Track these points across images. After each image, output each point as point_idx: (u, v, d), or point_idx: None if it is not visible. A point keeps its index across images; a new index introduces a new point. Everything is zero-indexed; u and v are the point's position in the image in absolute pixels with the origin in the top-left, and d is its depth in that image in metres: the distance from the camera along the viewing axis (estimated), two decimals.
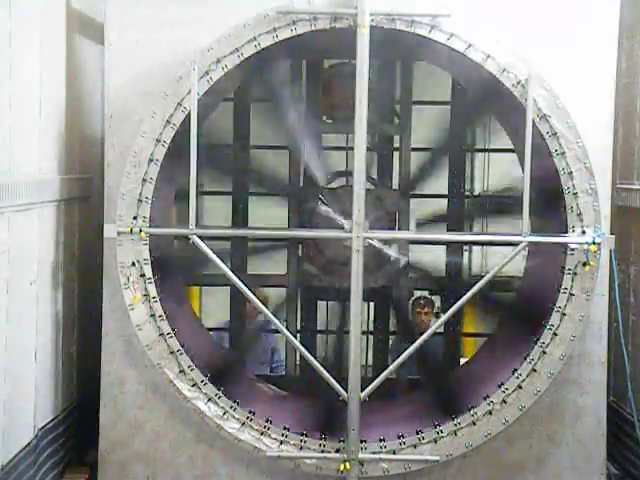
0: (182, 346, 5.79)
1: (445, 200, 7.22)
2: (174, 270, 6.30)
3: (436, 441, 5.82)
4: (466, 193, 7.76)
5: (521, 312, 6.36)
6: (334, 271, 6.40)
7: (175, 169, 5.94)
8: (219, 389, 5.84)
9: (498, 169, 9.33)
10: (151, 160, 5.68)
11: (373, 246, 6.24)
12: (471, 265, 9.13)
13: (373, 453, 5.80)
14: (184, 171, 5.57)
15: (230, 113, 7.30)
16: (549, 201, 5.89)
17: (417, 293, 8.49)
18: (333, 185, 6.86)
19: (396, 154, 7.11)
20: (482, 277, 5.74)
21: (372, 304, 7.36)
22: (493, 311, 6.88)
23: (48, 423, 6.02)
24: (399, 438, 5.84)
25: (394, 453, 5.82)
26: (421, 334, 5.84)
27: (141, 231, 5.66)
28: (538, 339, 5.75)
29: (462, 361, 7.46)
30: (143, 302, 5.74)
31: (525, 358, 5.76)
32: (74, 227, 6.48)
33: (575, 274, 5.68)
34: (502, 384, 5.79)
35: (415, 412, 6.27)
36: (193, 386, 5.83)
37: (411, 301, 7.86)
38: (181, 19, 5.89)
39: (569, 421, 6.09)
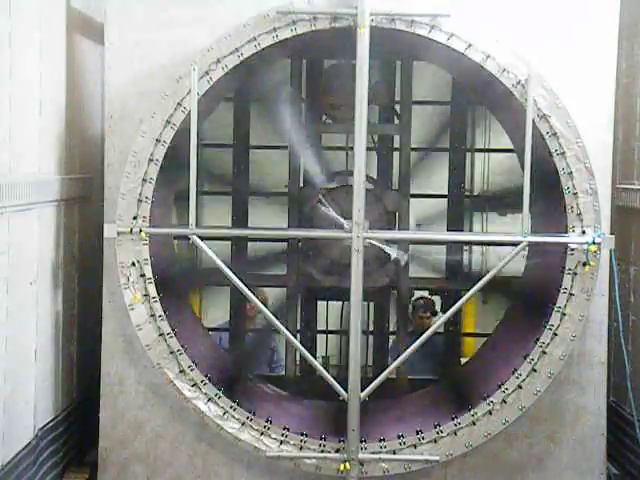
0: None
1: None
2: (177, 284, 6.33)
3: (436, 441, 5.82)
4: (466, 193, 7.80)
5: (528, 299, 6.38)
6: (334, 271, 6.40)
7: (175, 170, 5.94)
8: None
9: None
10: (151, 160, 5.68)
11: (373, 246, 6.25)
12: (471, 265, 9.13)
13: (373, 453, 5.79)
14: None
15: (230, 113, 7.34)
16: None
17: (417, 293, 8.52)
18: (333, 185, 6.87)
19: (395, 154, 7.14)
20: (482, 277, 5.74)
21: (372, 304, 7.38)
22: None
23: (48, 423, 6.02)
24: (399, 438, 5.84)
25: (394, 453, 5.82)
26: (421, 334, 5.85)
27: (141, 231, 5.66)
28: (538, 339, 5.75)
29: (462, 361, 7.48)
30: (143, 302, 5.74)
31: (525, 358, 5.77)
32: (74, 227, 6.48)
33: (575, 274, 5.68)
34: (502, 384, 5.79)
35: (424, 408, 6.29)
36: (193, 386, 5.83)
37: (411, 303, 7.86)
38: (181, 19, 5.88)
39: (569, 421, 6.09)
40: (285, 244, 6.96)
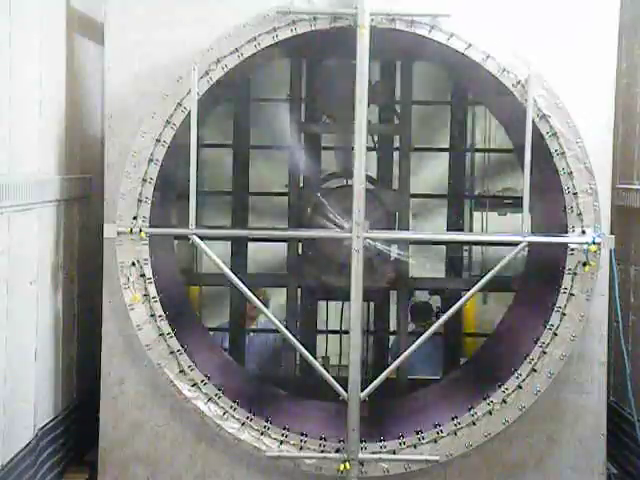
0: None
1: None
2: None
3: (436, 441, 5.82)
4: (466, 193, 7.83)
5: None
6: (334, 271, 6.40)
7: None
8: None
9: None
10: (151, 160, 5.68)
11: (373, 246, 6.25)
12: (471, 264, 9.14)
13: (373, 453, 5.79)
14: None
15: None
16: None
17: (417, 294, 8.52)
18: (332, 185, 6.87)
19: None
20: (482, 277, 5.75)
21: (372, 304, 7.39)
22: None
23: (48, 423, 6.02)
24: (399, 438, 5.84)
25: (394, 453, 5.81)
26: (421, 334, 5.86)
27: (141, 231, 5.66)
28: (538, 339, 5.75)
29: (462, 361, 7.48)
30: (143, 302, 5.74)
31: (525, 358, 5.76)
32: (74, 227, 6.48)
33: (575, 274, 5.68)
34: (502, 384, 5.79)
35: (424, 408, 6.29)
36: (193, 386, 5.83)
37: (409, 306, 7.85)
38: (181, 19, 5.88)
39: (569, 421, 6.08)
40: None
